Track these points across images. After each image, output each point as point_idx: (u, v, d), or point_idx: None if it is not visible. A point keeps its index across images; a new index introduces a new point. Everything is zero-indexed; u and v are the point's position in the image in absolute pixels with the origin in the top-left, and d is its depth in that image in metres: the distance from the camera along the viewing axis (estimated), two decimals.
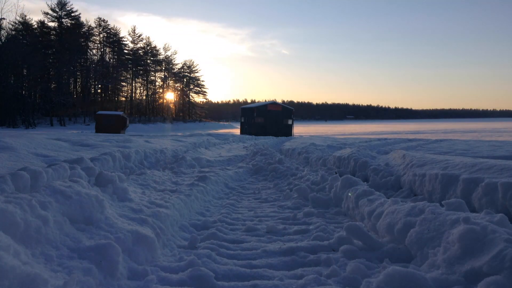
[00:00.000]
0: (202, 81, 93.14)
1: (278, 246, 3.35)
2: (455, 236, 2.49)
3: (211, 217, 4.56)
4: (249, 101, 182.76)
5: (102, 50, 74.09)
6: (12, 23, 55.96)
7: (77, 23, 67.04)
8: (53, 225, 2.52)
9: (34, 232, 2.31)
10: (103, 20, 73.32)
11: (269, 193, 6.48)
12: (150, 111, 79.49)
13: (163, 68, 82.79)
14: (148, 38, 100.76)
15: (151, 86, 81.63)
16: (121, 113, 36.91)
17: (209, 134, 28.76)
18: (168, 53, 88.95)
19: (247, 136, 33.99)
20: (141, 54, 79.02)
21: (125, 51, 77.02)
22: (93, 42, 72.29)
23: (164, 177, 6.45)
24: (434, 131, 53.59)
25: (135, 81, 79.11)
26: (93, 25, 72.68)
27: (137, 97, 79.76)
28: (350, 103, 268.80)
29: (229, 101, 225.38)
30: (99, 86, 71.57)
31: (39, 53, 54.07)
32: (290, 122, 58.21)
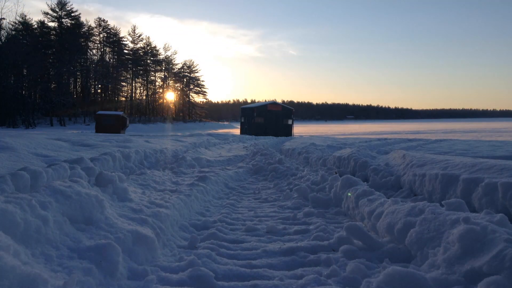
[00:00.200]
0: (202, 81, 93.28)
1: (278, 246, 3.35)
2: (455, 236, 2.49)
3: (211, 217, 4.56)
4: (249, 101, 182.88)
5: (102, 50, 74.15)
6: (12, 23, 56.03)
7: (77, 23, 67.05)
8: (53, 225, 2.53)
9: (34, 232, 2.31)
10: (103, 20, 73.42)
11: (269, 193, 6.48)
12: (150, 111, 79.49)
13: (163, 68, 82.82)
14: (148, 38, 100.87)
15: (151, 86, 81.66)
16: (121, 113, 36.90)
17: (209, 134, 28.76)
18: (168, 53, 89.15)
19: (247, 136, 33.99)
20: (141, 54, 79.02)
21: (125, 51, 77.03)
22: (93, 42, 72.34)
23: (164, 177, 6.44)
24: (434, 131, 53.59)
25: (135, 81, 79.15)
26: (93, 25, 72.81)
27: (137, 97, 79.78)
28: (350, 103, 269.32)
29: (229, 101, 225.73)
30: (99, 86, 71.57)
31: (39, 53, 54.07)
32: (290, 122, 58.21)
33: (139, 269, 2.64)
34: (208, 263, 2.83)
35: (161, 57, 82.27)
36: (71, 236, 2.62)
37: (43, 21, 63.74)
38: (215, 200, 5.72)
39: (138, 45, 78.73)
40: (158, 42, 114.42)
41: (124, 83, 76.29)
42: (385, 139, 25.08)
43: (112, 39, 74.41)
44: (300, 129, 76.07)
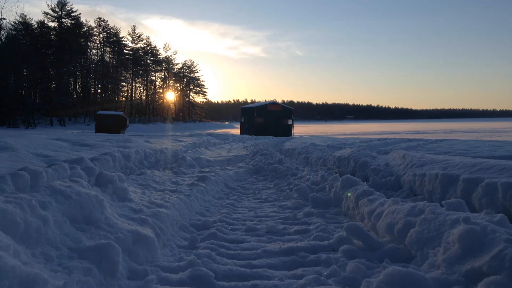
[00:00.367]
0: (202, 81, 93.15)
1: (278, 246, 3.35)
2: (455, 236, 2.49)
3: (211, 217, 4.56)
4: (249, 101, 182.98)
5: (102, 50, 74.07)
6: (12, 23, 55.98)
7: (77, 23, 66.96)
8: (53, 225, 2.52)
9: (34, 232, 2.31)
10: (103, 20, 73.35)
11: (269, 193, 6.48)
12: (150, 111, 79.45)
13: (163, 68, 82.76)
14: (148, 38, 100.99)
15: (151, 86, 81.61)
16: (121, 113, 36.86)
17: (209, 134, 28.76)
18: (168, 53, 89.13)
19: (247, 136, 34.00)
20: (141, 54, 78.97)
21: (125, 51, 76.95)
22: (93, 42, 72.25)
23: (164, 177, 6.44)
24: (434, 131, 53.57)
25: (135, 81, 79.09)
26: (93, 25, 72.77)
27: (137, 97, 79.70)
28: (350, 103, 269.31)
29: (229, 101, 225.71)
30: (99, 86, 71.52)
31: (39, 53, 54.03)
32: (290, 122, 58.21)
33: (139, 269, 2.64)
34: (208, 263, 2.83)
35: (161, 57, 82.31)
36: (71, 236, 2.62)
37: (43, 21, 63.71)
38: (215, 200, 5.72)
39: (138, 45, 78.74)
40: (167, 43, 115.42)
41: (124, 83, 76.23)
42: (385, 139, 25.09)
43: (112, 39, 74.36)
44: (300, 129, 76.06)
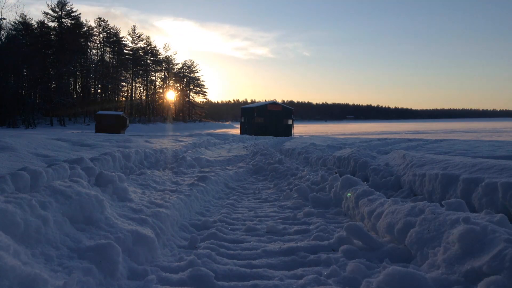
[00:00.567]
0: (202, 81, 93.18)
1: (278, 246, 3.35)
2: (455, 236, 2.49)
3: (211, 217, 4.56)
4: (249, 101, 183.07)
5: (102, 50, 74.05)
6: (12, 23, 55.97)
7: (77, 23, 66.94)
8: (53, 225, 2.52)
9: (34, 232, 2.31)
10: (103, 20, 73.34)
11: (269, 193, 6.48)
12: (150, 111, 79.45)
13: (163, 68, 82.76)
14: (148, 38, 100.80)
15: (151, 86, 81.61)
16: (121, 113, 36.85)
17: (209, 134, 28.76)
18: (168, 53, 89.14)
19: (247, 136, 34.01)
20: (141, 54, 78.96)
21: (125, 51, 76.94)
22: (93, 42, 72.24)
23: (164, 177, 6.44)
24: (434, 131, 53.57)
25: (135, 81, 79.08)
26: (93, 25, 72.79)
27: (137, 97, 79.70)
28: (350, 103, 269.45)
29: (229, 101, 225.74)
30: (99, 86, 71.51)
31: (39, 53, 54.05)
32: (290, 122, 58.21)
33: (139, 269, 2.64)
34: (208, 263, 2.83)
35: (161, 57, 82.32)
36: (71, 236, 2.62)
37: (43, 21, 63.71)
38: (215, 200, 5.72)
39: (138, 45, 78.74)
40: (177, 44, 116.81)
41: (124, 83, 76.21)
42: (385, 139, 25.10)
43: (112, 39, 74.34)
44: (300, 129, 76.05)
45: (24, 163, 6.33)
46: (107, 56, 75.19)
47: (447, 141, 19.81)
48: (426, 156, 6.84)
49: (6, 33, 52.32)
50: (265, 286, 2.51)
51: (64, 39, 61.99)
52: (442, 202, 3.36)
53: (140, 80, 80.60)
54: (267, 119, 56.07)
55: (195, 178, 6.37)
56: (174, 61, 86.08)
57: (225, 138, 24.80)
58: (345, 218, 4.54)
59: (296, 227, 4.03)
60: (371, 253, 3.09)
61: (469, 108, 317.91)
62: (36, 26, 62.43)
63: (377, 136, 34.76)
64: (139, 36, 78.97)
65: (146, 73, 79.64)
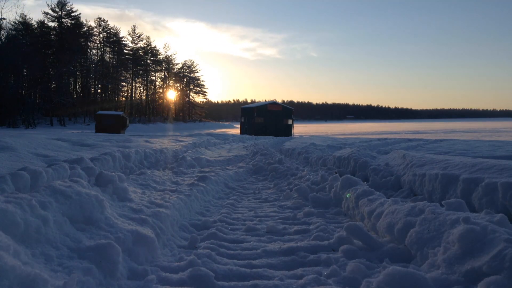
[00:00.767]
0: (202, 81, 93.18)
1: (278, 246, 3.35)
2: (455, 236, 2.49)
3: (211, 217, 4.56)
4: (249, 101, 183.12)
5: (102, 50, 74.05)
6: (12, 23, 55.97)
7: (77, 23, 66.96)
8: (53, 225, 2.52)
9: (34, 232, 2.31)
10: (103, 20, 73.35)
11: (269, 193, 6.48)
12: (150, 111, 79.45)
13: (163, 68, 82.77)
14: (148, 38, 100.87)
15: (151, 86, 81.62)
16: (121, 113, 36.86)
17: (209, 134, 28.76)
18: (168, 53, 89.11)
19: (247, 136, 34.02)
20: (141, 54, 78.96)
21: (125, 51, 76.94)
22: (93, 42, 72.23)
23: (164, 177, 6.44)
24: (434, 131, 53.57)
25: (135, 81, 79.07)
26: (93, 25, 72.75)
27: (137, 97, 79.70)
28: (350, 103, 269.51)
29: (229, 101, 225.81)
30: (99, 86, 71.51)
31: (39, 53, 54.04)
32: (290, 122, 58.19)
33: (139, 269, 2.64)
34: (208, 263, 2.83)
35: (161, 57, 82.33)
36: (71, 236, 2.62)
37: (43, 21, 63.72)
38: (215, 200, 5.72)
39: (138, 45, 78.74)
40: (186, 45, 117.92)
41: (124, 83, 76.21)
42: (385, 139, 25.10)
43: (112, 39, 74.33)
44: (300, 129, 76.05)
45: (24, 163, 6.33)
46: (107, 56, 75.21)
47: (447, 141, 19.81)
48: (426, 156, 6.84)
49: (6, 33, 52.33)
50: (265, 286, 2.51)
51: (64, 39, 62.02)
52: (442, 202, 3.36)
53: (140, 80, 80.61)
54: (267, 119, 56.06)
55: (195, 178, 6.37)
56: (174, 61, 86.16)
57: (225, 138, 24.80)
58: (345, 218, 4.54)
59: (296, 227, 4.03)
60: (371, 253, 3.09)
61: (469, 108, 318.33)
62: (36, 26, 62.46)
63: (377, 136, 34.76)
64: (139, 36, 79.02)
65: (146, 73, 79.63)
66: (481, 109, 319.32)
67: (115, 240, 2.70)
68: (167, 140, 16.49)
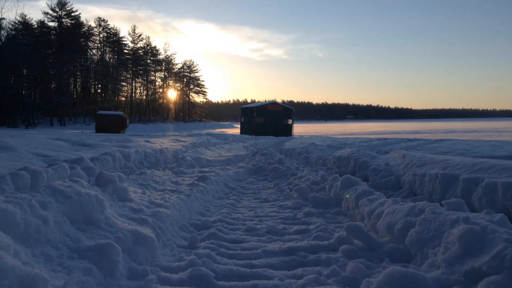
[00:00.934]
0: (202, 81, 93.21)
1: (278, 246, 3.35)
2: (455, 236, 2.49)
3: (211, 217, 4.56)
4: (249, 101, 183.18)
5: (102, 50, 74.08)
6: (12, 23, 55.98)
7: (77, 23, 67.00)
8: (53, 225, 2.52)
9: (34, 232, 2.31)
10: (103, 20, 73.36)
11: (269, 193, 6.48)
12: (150, 111, 79.47)
13: (163, 68, 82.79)
14: (148, 38, 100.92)
15: (151, 86, 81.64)
16: (121, 113, 36.89)
17: (209, 134, 28.75)
18: (168, 53, 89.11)
19: (247, 136, 34.01)
20: (141, 54, 78.98)
21: (125, 51, 76.97)
22: (93, 42, 72.27)
23: (164, 177, 6.44)
24: (434, 131, 53.55)
25: (135, 81, 79.10)
26: (93, 25, 72.76)
27: (137, 97, 79.74)
28: (350, 103, 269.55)
29: (229, 101, 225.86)
30: (99, 86, 71.55)
31: (39, 53, 54.06)
32: (290, 122, 58.19)
33: (139, 269, 2.64)
34: (208, 263, 2.83)
35: (161, 57, 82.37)
36: (71, 236, 2.62)
37: (43, 21, 63.74)
38: (215, 200, 5.72)
39: (138, 45, 78.77)
40: (167, 43, 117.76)
41: (124, 83, 76.25)
42: (385, 139, 25.10)
43: (112, 39, 74.35)
44: (300, 129, 76.05)
45: (24, 163, 6.33)
46: (107, 56, 75.24)
47: (447, 141, 19.81)
48: (426, 156, 6.84)
49: (6, 33, 52.34)
50: (265, 286, 2.51)
51: (64, 39, 62.05)
52: (442, 202, 3.36)
53: (140, 80, 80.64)
54: (267, 119, 56.05)
55: (195, 178, 6.37)
56: (174, 61, 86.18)
57: (225, 138, 24.79)
58: (345, 218, 4.54)
59: (296, 227, 4.03)
60: (371, 253, 3.09)
61: (469, 108, 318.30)
62: (36, 26, 62.49)
63: (377, 136, 34.77)
64: (139, 36, 79.04)
65: (146, 73, 79.65)
66: (481, 109, 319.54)
67: (115, 240, 2.70)
68: (167, 140, 16.49)
